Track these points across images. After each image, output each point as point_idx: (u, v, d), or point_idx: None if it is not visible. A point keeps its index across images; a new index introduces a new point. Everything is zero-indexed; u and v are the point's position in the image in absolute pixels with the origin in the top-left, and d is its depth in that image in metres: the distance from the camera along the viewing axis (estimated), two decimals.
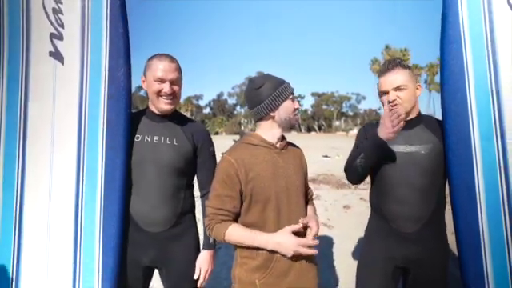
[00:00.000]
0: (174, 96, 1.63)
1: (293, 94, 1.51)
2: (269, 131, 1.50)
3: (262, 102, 1.46)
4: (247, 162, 1.43)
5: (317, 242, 1.43)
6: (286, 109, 1.48)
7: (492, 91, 1.50)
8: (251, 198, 1.42)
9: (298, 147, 1.67)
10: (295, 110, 1.51)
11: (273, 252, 1.41)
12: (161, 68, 1.59)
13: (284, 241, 1.37)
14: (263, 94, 1.46)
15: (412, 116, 1.66)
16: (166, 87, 1.59)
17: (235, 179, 1.41)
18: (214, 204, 1.44)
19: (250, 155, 1.45)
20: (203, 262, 1.66)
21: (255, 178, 1.42)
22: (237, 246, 1.49)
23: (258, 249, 1.42)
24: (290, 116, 1.50)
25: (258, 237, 1.38)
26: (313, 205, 1.69)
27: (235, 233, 1.40)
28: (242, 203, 1.45)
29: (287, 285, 1.43)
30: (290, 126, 1.52)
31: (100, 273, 1.54)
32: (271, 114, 1.47)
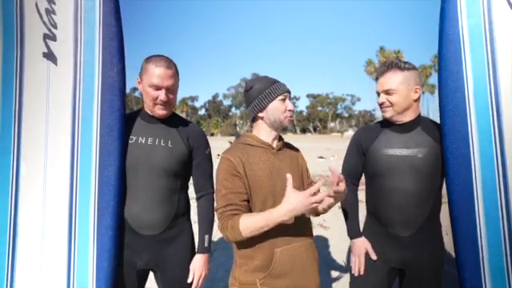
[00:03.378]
0: (169, 103, 1.61)
1: (284, 94, 1.48)
2: (263, 132, 1.51)
3: (251, 103, 1.48)
4: (245, 161, 1.43)
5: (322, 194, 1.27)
6: (273, 109, 1.47)
7: (491, 90, 1.49)
8: (254, 200, 1.42)
9: (296, 148, 1.66)
10: (285, 110, 1.49)
11: (272, 250, 1.41)
12: (157, 74, 1.53)
13: (295, 202, 1.24)
14: (251, 95, 1.49)
15: (409, 119, 1.65)
16: (162, 95, 1.55)
17: (237, 175, 1.40)
18: (220, 204, 1.40)
19: (247, 155, 1.45)
20: (197, 267, 1.63)
21: (253, 177, 1.42)
22: (236, 247, 1.48)
23: (257, 248, 1.41)
24: (280, 117, 1.48)
25: (272, 215, 1.28)
26: None
27: (248, 222, 1.31)
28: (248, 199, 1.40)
29: (288, 284, 1.42)
30: (281, 126, 1.50)
31: (94, 275, 1.52)
32: (259, 115, 1.49)
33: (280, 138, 1.55)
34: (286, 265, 1.42)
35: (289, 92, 1.52)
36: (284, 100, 1.49)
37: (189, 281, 1.62)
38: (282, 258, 1.42)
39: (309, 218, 1.55)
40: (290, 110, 1.50)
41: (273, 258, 1.41)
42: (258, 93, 1.47)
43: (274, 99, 1.47)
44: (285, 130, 1.54)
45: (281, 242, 1.42)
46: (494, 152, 1.48)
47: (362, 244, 1.72)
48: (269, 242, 1.41)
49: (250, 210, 1.41)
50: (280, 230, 1.42)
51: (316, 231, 4.65)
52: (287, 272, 1.42)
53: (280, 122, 1.48)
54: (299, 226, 1.47)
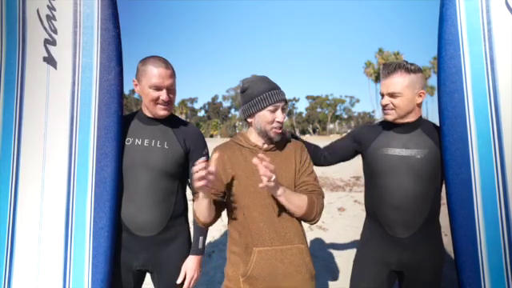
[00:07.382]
0: (170, 103, 1.62)
1: (276, 104, 1.42)
2: (253, 134, 1.52)
3: (242, 106, 1.49)
4: (227, 160, 1.47)
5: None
6: (260, 119, 1.44)
7: (489, 92, 1.49)
8: (233, 197, 1.45)
9: (297, 144, 1.59)
10: (273, 121, 1.43)
11: (252, 249, 1.42)
12: (157, 75, 1.54)
13: None
14: (244, 98, 1.48)
15: (410, 120, 1.64)
16: (164, 95, 1.56)
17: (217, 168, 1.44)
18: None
19: (234, 154, 1.48)
20: (190, 268, 1.62)
21: (235, 175, 1.45)
22: (228, 243, 1.52)
23: (241, 244, 1.44)
24: (266, 127, 1.44)
25: None
26: (313, 196, 1.48)
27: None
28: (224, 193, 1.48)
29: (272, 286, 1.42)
30: (266, 136, 1.46)
31: (90, 276, 1.53)
32: (248, 120, 1.49)
33: (272, 141, 1.50)
34: (264, 267, 1.40)
35: (284, 101, 1.45)
36: (274, 111, 1.43)
37: (179, 281, 1.60)
38: (261, 258, 1.40)
39: (300, 223, 1.51)
40: (278, 122, 1.43)
41: (251, 252, 1.41)
42: (250, 98, 1.44)
43: (263, 109, 1.42)
44: (271, 140, 1.48)
45: (261, 243, 1.41)
46: (493, 152, 1.48)
47: None
48: (252, 241, 1.42)
49: (224, 204, 1.50)
50: (260, 231, 1.42)
51: (315, 233, 4.65)
52: (266, 276, 1.40)
53: (265, 133, 1.45)
54: (284, 229, 1.45)
